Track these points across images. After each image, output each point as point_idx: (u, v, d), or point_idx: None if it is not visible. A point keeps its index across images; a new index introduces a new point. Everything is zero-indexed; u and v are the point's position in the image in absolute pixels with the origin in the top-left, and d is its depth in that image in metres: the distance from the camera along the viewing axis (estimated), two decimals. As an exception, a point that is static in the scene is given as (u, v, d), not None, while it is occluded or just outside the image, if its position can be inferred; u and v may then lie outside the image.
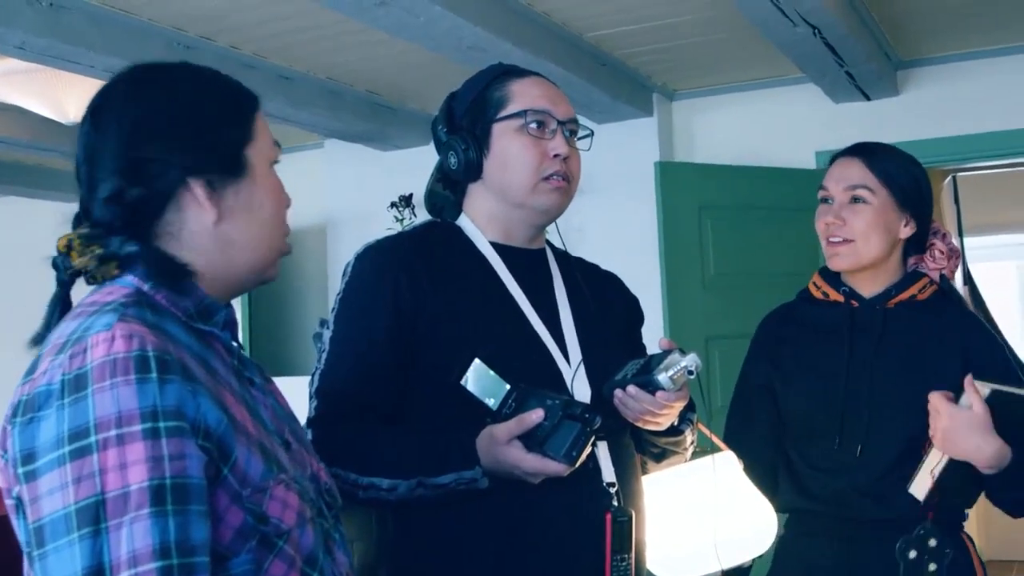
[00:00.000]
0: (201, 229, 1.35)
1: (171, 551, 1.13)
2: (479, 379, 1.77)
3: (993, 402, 2.04)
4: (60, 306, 1.33)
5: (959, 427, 2.03)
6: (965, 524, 2.28)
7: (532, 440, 1.69)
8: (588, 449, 1.70)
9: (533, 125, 1.90)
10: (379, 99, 5.12)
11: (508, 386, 1.76)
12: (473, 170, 1.92)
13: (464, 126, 1.93)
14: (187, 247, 1.34)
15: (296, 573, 1.28)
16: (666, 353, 1.80)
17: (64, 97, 4.37)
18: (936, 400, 2.06)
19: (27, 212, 6.40)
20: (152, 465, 1.14)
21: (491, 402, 1.76)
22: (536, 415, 1.69)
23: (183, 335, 1.29)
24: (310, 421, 1.80)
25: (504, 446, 1.70)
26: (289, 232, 1.47)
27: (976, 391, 2.04)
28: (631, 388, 1.79)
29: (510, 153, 1.90)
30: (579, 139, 1.98)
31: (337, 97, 4.90)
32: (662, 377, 1.76)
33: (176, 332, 1.28)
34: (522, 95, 1.92)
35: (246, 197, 1.37)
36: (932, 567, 2.12)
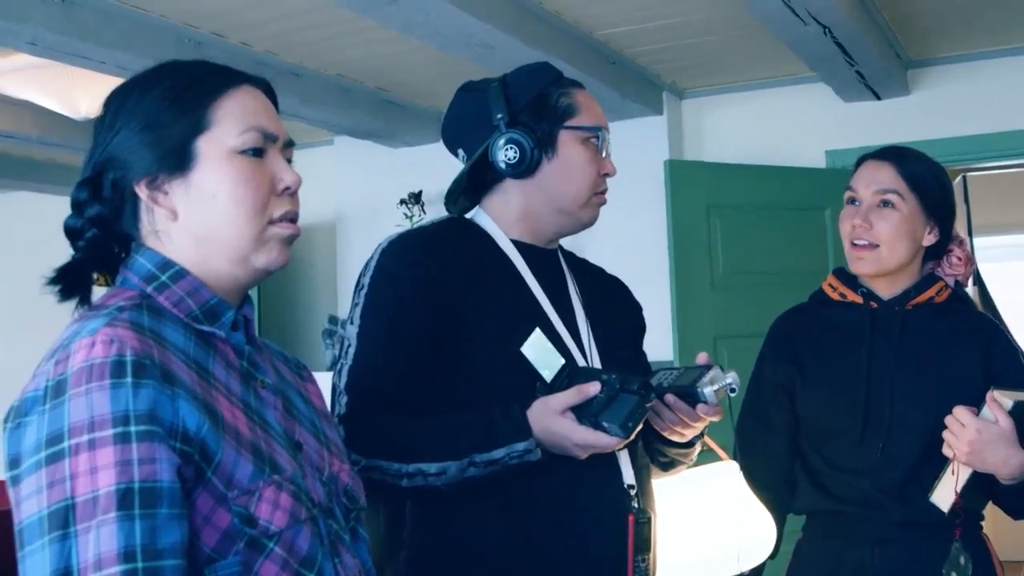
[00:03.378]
0: (168, 227, 1.35)
1: (136, 554, 1.13)
2: (538, 349, 1.78)
3: (1016, 413, 2.05)
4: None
5: (988, 441, 2.04)
6: (983, 524, 2.28)
7: (585, 413, 1.70)
8: (641, 425, 1.70)
9: (597, 142, 1.93)
10: (389, 96, 5.12)
11: (563, 360, 1.78)
12: (530, 168, 1.90)
13: (524, 122, 1.90)
14: (168, 246, 1.36)
15: (289, 574, 1.27)
16: (704, 368, 1.80)
17: (75, 93, 4.38)
18: (962, 414, 2.06)
19: (38, 207, 6.42)
20: (121, 469, 1.15)
21: (547, 374, 1.77)
22: (594, 387, 1.69)
23: (180, 338, 1.30)
24: (341, 418, 1.78)
25: (557, 416, 1.70)
26: (291, 215, 1.40)
27: (999, 406, 2.05)
28: (669, 397, 1.79)
29: (575, 164, 1.91)
30: None
31: (347, 94, 4.91)
32: (707, 391, 1.76)
33: (173, 335, 1.29)
34: (588, 109, 1.93)
35: (196, 189, 1.34)
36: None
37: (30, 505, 1.16)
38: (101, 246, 1.34)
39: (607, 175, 1.95)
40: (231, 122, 1.37)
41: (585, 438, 1.69)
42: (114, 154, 1.35)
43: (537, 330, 1.78)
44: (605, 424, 1.67)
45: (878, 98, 4.90)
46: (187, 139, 1.35)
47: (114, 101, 1.39)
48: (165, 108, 1.35)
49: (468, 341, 1.82)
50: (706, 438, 2.06)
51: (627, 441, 1.71)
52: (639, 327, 2.13)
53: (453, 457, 1.72)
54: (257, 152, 1.38)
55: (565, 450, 1.72)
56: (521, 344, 1.78)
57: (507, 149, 1.89)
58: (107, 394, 1.17)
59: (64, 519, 1.14)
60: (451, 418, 1.78)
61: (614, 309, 2.05)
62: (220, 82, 1.39)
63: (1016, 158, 5.15)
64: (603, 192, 1.96)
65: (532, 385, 1.78)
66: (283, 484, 1.29)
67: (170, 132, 1.35)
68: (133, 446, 1.16)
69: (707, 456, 2.16)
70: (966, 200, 6.45)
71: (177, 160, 1.34)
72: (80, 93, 4.38)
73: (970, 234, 6.45)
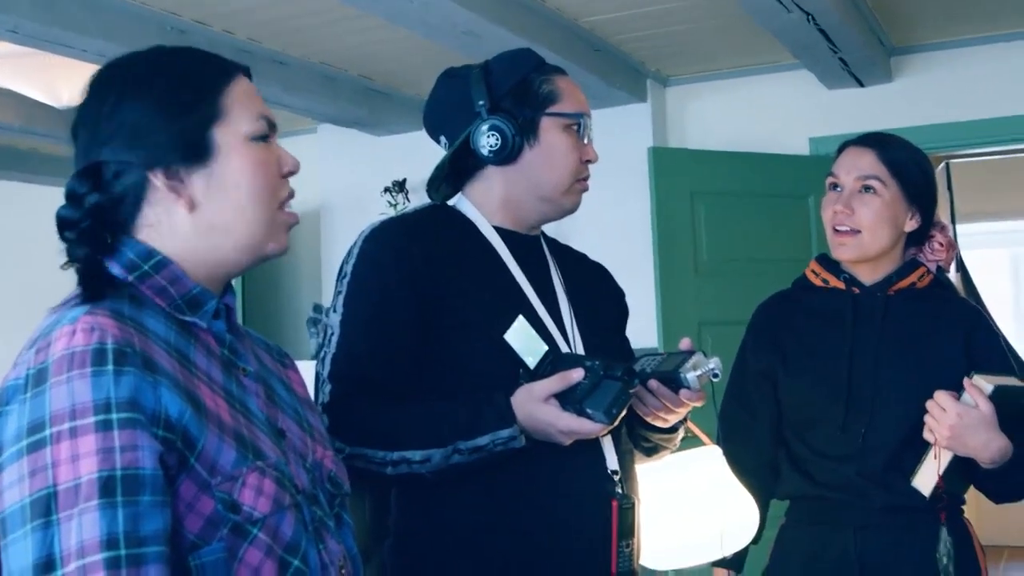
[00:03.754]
0: (178, 219, 1.34)
1: (119, 542, 1.13)
2: (521, 336, 1.79)
3: (995, 398, 2.07)
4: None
5: (968, 425, 2.06)
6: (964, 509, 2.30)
7: (568, 399, 1.70)
8: (624, 411, 1.71)
9: (579, 129, 1.93)
10: (373, 84, 5.11)
11: (547, 347, 1.78)
12: (513, 154, 1.90)
13: (506, 108, 1.91)
14: (169, 237, 1.34)
15: (274, 560, 1.27)
16: (687, 353, 1.80)
17: (57, 81, 4.36)
18: (943, 399, 2.08)
19: (20, 196, 6.39)
20: (102, 457, 1.15)
21: (530, 360, 1.78)
22: (577, 373, 1.70)
23: (162, 327, 1.30)
24: (325, 406, 1.78)
25: (541, 403, 1.70)
26: (291, 197, 1.43)
27: (979, 390, 2.07)
28: (653, 382, 1.80)
29: (558, 150, 1.91)
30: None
31: (331, 82, 4.90)
32: (690, 376, 1.76)
33: (154, 324, 1.29)
34: (570, 95, 1.93)
35: (218, 180, 1.35)
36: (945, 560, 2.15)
37: (12, 494, 1.16)
38: (95, 236, 1.32)
39: (589, 162, 1.95)
40: (241, 110, 1.38)
41: (569, 424, 1.69)
42: (118, 144, 1.33)
43: (520, 317, 1.79)
44: (589, 410, 1.68)
45: (861, 85, 4.92)
46: (203, 129, 1.35)
47: (110, 89, 1.36)
48: (174, 99, 1.35)
49: (451, 328, 1.82)
50: (689, 423, 2.07)
51: (611, 427, 1.71)
52: (622, 312, 2.13)
53: (438, 444, 1.72)
54: (264, 138, 1.40)
55: (549, 437, 1.72)
56: (504, 331, 1.79)
57: (489, 136, 1.89)
58: (88, 382, 1.17)
59: (46, 507, 1.14)
60: (435, 405, 1.78)
61: (597, 295, 2.05)
62: (223, 70, 1.40)
63: (999, 145, 5.17)
64: (585, 179, 1.96)
65: (516, 372, 1.78)
66: (266, 470, 1.29)
67: (184, 123, 1.34)
68: (115, 433, 1.16)
69: (692, 441, 2.18)
70: (949, 187, 6.47)
71: (196, 151, 1.34)
72: (62, 82, 4.37)
73: (953, 221, 6.48)
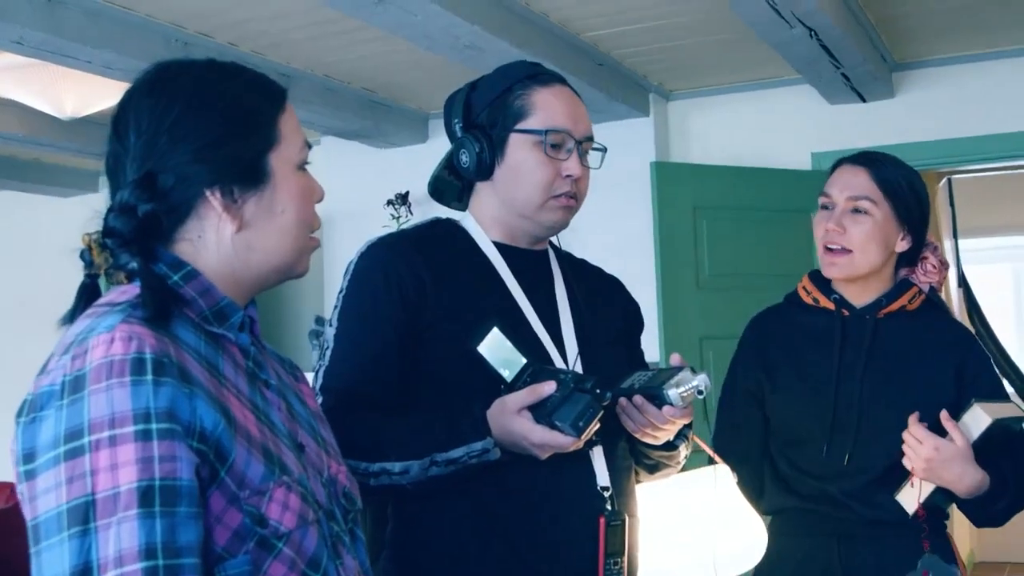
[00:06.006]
0: (222, 237, 1.35)
1: (157, 552, 1.13)
2: (496, 348, 1.78)
3: (994, 429, 2.08)
4: (87, 295, 1.33)
5: (944, 459, 2.08)
6: (948, 523, 2.31)
7: (542, 412, 1.70)
8: (596, 424, 1.70)
9: (551, 145, 1.88)
10: (376, 97, 5.13)
11: (524, 360, 1.78)
12: (484, 172, 1.92)
13: (481, 124, 1.92)
14: (206, 252, 1.35)
15: (297, 574, 1.28)
16: (677, 369, 1.78)
17: (61, 92, 4.37)
18: (919, 432, 2.10)
19: (23, 207, 6.39)
20: (142, 466, 1.15)
21: (506, 373, 1.77)
22: (548, 386, 1.70)
23: (192, 337, 1.30)
24: None
25: (514, 415, 1.70)
26: (319, 226, 1.46)
27: (956, 427, 2.09)
28: (637, 398, 1.79)
29: (524, 167, 1.89)
30: (593, 149, 1.96)
31: (334, 95, 4.91)
32: (672, 393, 1.74)
33: (185, 335, 1.29)
34: (544, 108, 1.90)
35: (268, 204, 1.37)
36: None
37: (48, 500, 1.15)
38: (144, 247, 1.31)
39: (570, 177, 1.90)
40: (293, 137, 1.41)
41: (542, 437, 1.69)
42: (181, 157, 1.32)
43: (495, 330, 1.78)
44: (558, 423, 1.68)
45: (863, 100, 4.92)
46: (261, 154, 1.36)
47: (173, 98, 1.34)
48: (241, 120, 1.36)
49: (436, 342, 1.83)
50: (699, 442, 2.06)
51: (582, 440, 1.70)
52: (634, 325, 2.13)
53: (415, 456, 1.74)
54: (305, 164, 1.43)
55: (524, 450, 1.72)
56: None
57: (461, 154, 1.93)
58: (128, 391, 1.17)
59: (84, 515, 1.13)
60: (415, 418, 1.80)
61: (607, 308, 2.05)
62: (279, 95, 1.42)
63: (1001, 160, 5.17)
64: (564, 195, 1.91)
65: (497, 385, 1.78)
66: (292, 485, 1.30)
67: (248, 146, 1.35)
68: (154, 443, 1.16)
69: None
70: (951, 203, 6.48)
71: (254, 175, 1.36)
72: (66, 93, 4.37)
73: (955, 236, 6.49)
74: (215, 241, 1.35)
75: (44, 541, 1.15)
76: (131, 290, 1.30)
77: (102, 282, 1.35)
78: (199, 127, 1.33)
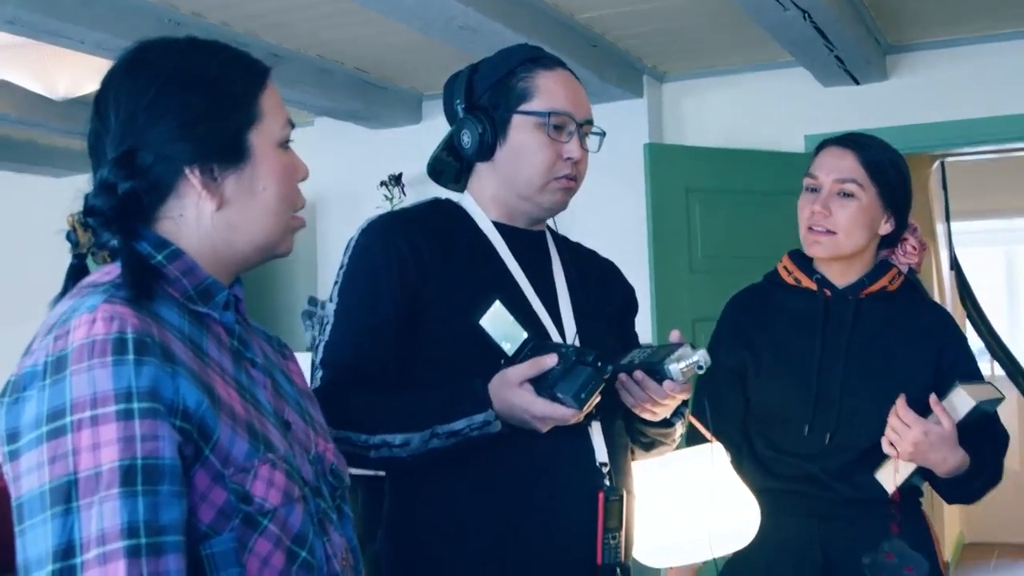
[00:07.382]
0: (202, 215, 1.35)
1: (139, 530, 1.14)
2: (498, 321, 1.80)
3: (976, 413, 2.10)
4: (75, 276, 1.34)
5: (932, 442, 2.10)
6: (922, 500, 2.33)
7: (543, 385, 1.71)
8: (597, 397, 1.71)
9: (553, 128, 1.91)
10: (369, 78, 5.11)
11: (526, 333, 1.79)
12: (485, 153, 1.94)
13: (483, 106, 1.94)
14: (188, 230, 1.35)
15: (282, 551, 1.29)
16: (676, 345, 1.81)
17: (54, 72, 4.36)
18: (907, 416, 2.11)
19: (16, 187, 6.38)
20: (123, 445, 1.16)
21: (507, 347, 1.79)
22: (550, 359, 1.72)
23: (175, 317, 1.31)
24: (316, 391, 1.79)
25: (516, 388, 1.72)
26: (304, 205, 1.46)
27: (945, 411, 2.11)
28: (638, 374, 1.80)
29: (526, 149, 1.92)
30: (593, 133, 1.99)
31: (327, 75, 4.90)
32: (673, 368, 1.76)
33: (168, 314, 1.30)
34: (547, 92, 1.92)
35: (248, 182, 1.37)
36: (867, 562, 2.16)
37: (30, 479, 1.16)
38: (125, 225, 1.32)
39: (570, 159, 1.93)
40: (274, 115, 1.41)
41: (543, 410, 1.71)
42: (161, 134, 1.32)
43: (497, 303, 1.80)
44: (560, 395, 1.69)
45: (857, 83, 4.92)
46: (241, 131, 1.36)
47: (152, 76, 1.34)
48: (221, 97, 1.36)
49: (436, 318, 1.85)
50: (693, 420, 2.08)
51: (584, 413, 1.72)
52: (629, 308, 2.15)
53: (416, 428, 1.75)
54: (287, 143, 1.43)
55: (525, 423, 1.74)
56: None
57: (463, 135, 1.95)
58: (109, 371, 1.18)
59: (66, 494, 1.14)
60: (417, 391, 1.82)
61: (602, 289, 2.07)
62: (260, 72, 1.42)
63: (994, 144, 5.19)
64: (564, 176, 1.94)
65: (496, 362, 1.79)
66: (277, 463, 1.31)
67: (228, 123, 1.35)
68: (136, 423, 1.17)
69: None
70: (944, 186, 6.48)
71: (234, 152, 1.36)
72: (58, 73, 4.36)
73: (947, 220, 6.50)
74: (196, 219, 1.35)
75: (27, 520, 1.16)
76: (114, 270, 1.31)
77: (92, 263, 1.36)
78: (178, 104, 1.33)
